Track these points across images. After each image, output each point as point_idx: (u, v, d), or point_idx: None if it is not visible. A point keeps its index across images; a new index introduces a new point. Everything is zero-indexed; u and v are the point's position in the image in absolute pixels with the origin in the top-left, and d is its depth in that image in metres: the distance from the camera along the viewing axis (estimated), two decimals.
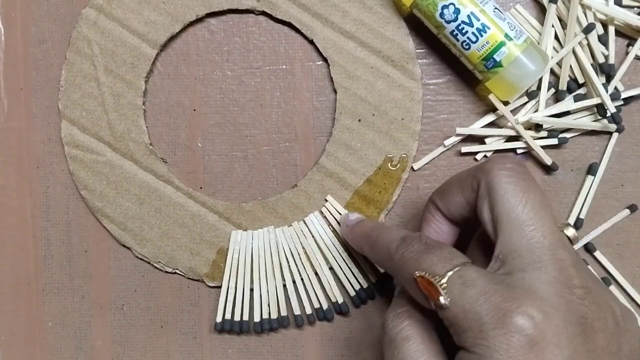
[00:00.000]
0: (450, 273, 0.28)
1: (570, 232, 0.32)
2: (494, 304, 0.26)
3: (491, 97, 0.40)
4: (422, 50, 0.41)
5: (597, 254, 0.40)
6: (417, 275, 0.29)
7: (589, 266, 0.40)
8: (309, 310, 0.41)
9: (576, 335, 0.26)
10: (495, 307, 0.26)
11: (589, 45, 0.39)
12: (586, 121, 0.40)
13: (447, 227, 0.34)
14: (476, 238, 0.34)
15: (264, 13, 0.41)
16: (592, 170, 0.40)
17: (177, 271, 0.42)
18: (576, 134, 0.41)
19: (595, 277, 0.30)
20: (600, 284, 0.29)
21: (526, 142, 0.40)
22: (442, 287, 0.28)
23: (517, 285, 0.27)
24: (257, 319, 0.41)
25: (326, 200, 0.41)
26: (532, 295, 0.27)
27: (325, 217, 0.41)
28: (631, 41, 0.40)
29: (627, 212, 0.40)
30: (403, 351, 0.29)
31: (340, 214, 0.41)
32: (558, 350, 0.26)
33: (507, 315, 0.26)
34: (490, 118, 0.41)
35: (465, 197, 0.32)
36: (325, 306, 0.41)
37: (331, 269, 0.41)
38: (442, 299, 0.28)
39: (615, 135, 0.40)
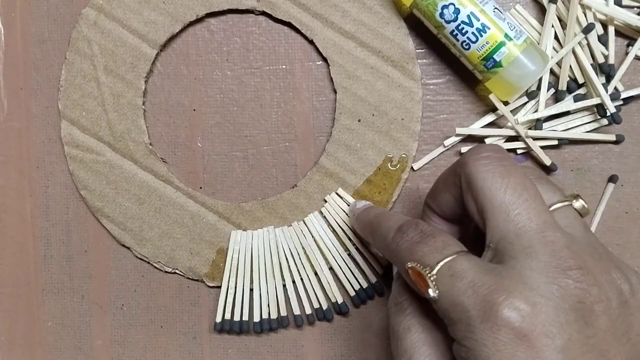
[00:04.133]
0: (440, 264, 0.27)
1: (579, 204, 0.30)
2: (481, 297, 0.26)
3: (491, 97, 0.40)
4: (422, 50, 0.41)
5: None
6: (409, 266, 0.28)
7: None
8: (308, 311, 0.41)
9: (571, 322, 0.25)
10: (482, 300, 0.25)
11: (588, 45, 0.39)
12: (587, 133, 0.40)
13: (446, 226, 0.34)
14: (472, 231, 0.34)
15: (264, 13, 0.41)
16: (612, 179, 0.41)
17: (176, 271, 0.42)
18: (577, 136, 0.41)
19: (602, 252, 0.28)
20: (607, 259, 0.28)
21: (526, 142, 0.40)
22: (432, 279, 0.27)
23: (507, 274, 0.26)
24: (256, 319, 0.41)
25: (325, 201, 0.41)
26: (521, 285, 0.26)
27: (325, 217, 0.41)
28: (631, 41, 0.40)
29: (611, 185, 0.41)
30: (405, 342, 0.29)
31: (348, 204, 0.41)
32: (549, 340, 0.25)
33: (493, 309, 0.25)
34: (490, 118, 0.41)
35: (452, 195, 0.31)
36: (325, 306, 0.41)
37: (331, 269, 0.41)
38: (431, 292, 0.27)
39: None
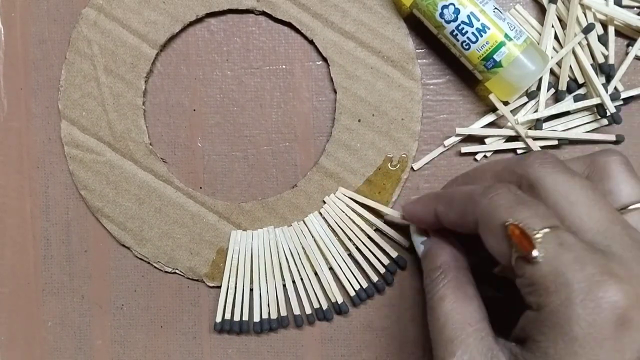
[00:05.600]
0: (546, 230, 0.26)
1: None
2: (588, 274, 0.25)
3: (491, 97, 0.40)
4: (422, 50, 0.41)
5: None
6: (510, 223, 0.27)
7: None
8: (308, 311, 0.41)
9: None
10: (589, 278, 0.25)
11: (588, 45, 0.39)
12: (587, 133, 0.40)
13: (449, 248, 0.34)
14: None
15: (264, 13, 0.41)
16: None
17: (176, 271, 0.42)
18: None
19: None
20: None
21: (526, 143, 0.40)
22: (538, 241, 0.26)
23: (616, 260, 0.26)
24: (257, 319, 0.41)
25: (324, 202, 0.41)
26: (631, 273, 0.25)
27: (324, 218, 0.41)
28: (631, 41, 0.40)
29: None
30: (438, 311, 0.30)
31: (348, 205, 0.41)
32: None
33: (601, 289, 0.24)
34: (490, 118, 0.41)
35: None
36: (324, 306, 0.41)
37: (331, 269, 0.41)
38: (535, 252, 0.26)
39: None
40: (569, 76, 0.40)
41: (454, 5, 0.37)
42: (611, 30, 0.40)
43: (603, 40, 0.40)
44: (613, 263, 0.26)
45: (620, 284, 0.25)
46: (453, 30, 0.37)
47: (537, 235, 0.26)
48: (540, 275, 0.26)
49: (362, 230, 0.41)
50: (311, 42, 0.41)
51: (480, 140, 0.41)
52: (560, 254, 0.26)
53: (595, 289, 0.25)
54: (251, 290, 0.41)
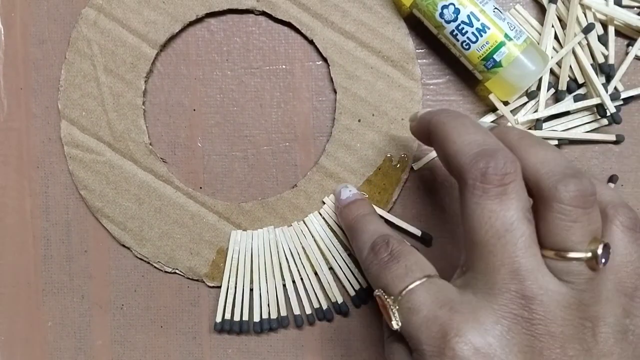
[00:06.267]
0: (403, 293, 0.28)
1: (590, 255, 0.27)
2: (433, 333, 0.27)
3: (491, 97, 0.40)
4: (422, 50, 0.41)
5: None
6: (376, 294, 0.30)
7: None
8: (308, 310, 0.41)
9: None
10: (434, 337, 0.27)
11: (588, 45, 0.39)
12: (587, 133, 0.40)
13: None
14: None
15: (264, 13, 0.41)
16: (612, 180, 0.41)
17: (176, 271, 0.42)
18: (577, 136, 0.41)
19: (575, 307, 0.26)
20: (577, 314, 0.26)
21: None
22: (393, 311, 0.28)
23: (463, 309, 0.27)
24: (257, 319, 0.41)
25: (323, 203, 0.41)
26: (475, 322, 0.26)
27: (324, 218, 0.41)
28: (631, 41, 0.40)
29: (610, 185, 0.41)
30: None
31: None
32: None
33: (447, 346, 0.26)
34: (490, 118, 0.41)
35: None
36: (325, 306, 0.41)
37: (331, 269, 0.41)
38: (394, 324, 0.28)
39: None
40: (569, 76, 0.40)
41: (454, 5, 0.37)
42: (611, 30, 0.40)
43: (603, 40, 0.40)
44: (460, 315, 0.27)
45: (462, 337, 0.26)
46: (453, 30, 0.37)
47: (393, 307, 0.29)
48: (405, 338, 0.29)
49: None
50: (311, 42, 0.41)
51: None
52: (410, 319, 0.28)
53: (441, 346, 0.26)
54: (251, 290, 0.41)
